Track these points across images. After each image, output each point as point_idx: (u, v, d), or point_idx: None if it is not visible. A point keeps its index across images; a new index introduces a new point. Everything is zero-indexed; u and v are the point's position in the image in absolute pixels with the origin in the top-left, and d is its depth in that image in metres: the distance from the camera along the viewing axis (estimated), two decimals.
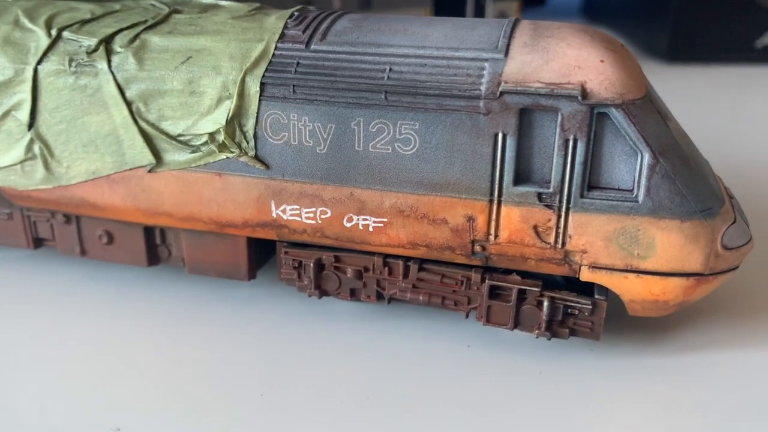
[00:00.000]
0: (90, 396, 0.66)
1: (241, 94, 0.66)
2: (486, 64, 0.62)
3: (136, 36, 0.71)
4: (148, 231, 0.78)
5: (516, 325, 0.69)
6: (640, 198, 0.61)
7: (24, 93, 0.72)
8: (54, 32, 0.72)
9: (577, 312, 0.67)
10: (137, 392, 0.66)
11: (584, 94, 0.59)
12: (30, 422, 0.62)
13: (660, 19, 1.93)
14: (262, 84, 0.66)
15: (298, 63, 0.66)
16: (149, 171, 0.71)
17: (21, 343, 0.73)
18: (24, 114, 0.72)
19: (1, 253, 0.89)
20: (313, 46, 0.66)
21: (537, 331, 0.68)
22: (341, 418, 0.63)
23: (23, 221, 0.81)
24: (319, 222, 0.69)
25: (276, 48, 0.67)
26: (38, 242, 0.82)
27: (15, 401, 0.65)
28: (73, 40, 0.71)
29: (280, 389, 0.67)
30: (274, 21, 0.70)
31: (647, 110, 0.61)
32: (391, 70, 0.63)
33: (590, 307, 0.67)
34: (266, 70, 0.66)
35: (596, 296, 0.67)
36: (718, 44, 1.87)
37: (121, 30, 0.71)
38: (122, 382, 0.67)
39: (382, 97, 0.63)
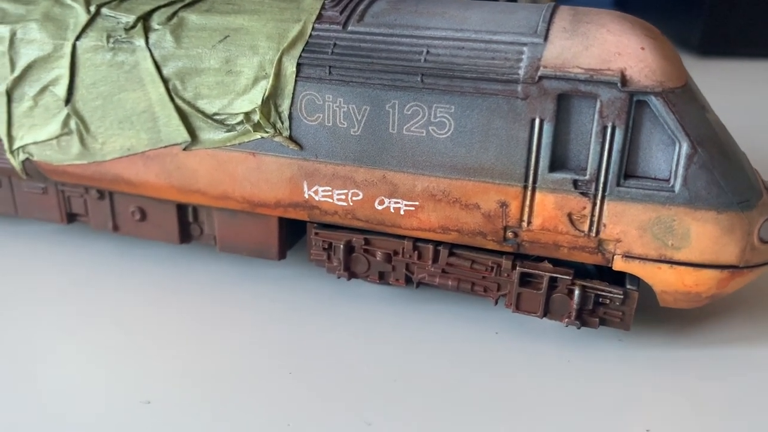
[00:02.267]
0: (120, 369, 0.67)
1: (278, 74, 0.66)
2: (525, 48, 0.61)
3: (174, 14, 0.71)
4: (181, 209, 0.78)
5: (546, 313, 0.69)
6: (677, 188, 0.60)
7: (62, 68, 0.72)
8: (93, 8, 0.73)
9: (608, 301, 0.67)
10: (167, 367, 0.67)
11: (624, 81, 0.58)
12: (60, 395, 0.63)
13: (693, 12, 1.90)
14: (298, 64, 0.66)
15: (334, 44, 0.65)
16: (184, 149, 0.72)
17: (52, 317, 0.74)
18: (61, 89, 0.73)
19: (34, 227, 0.90)
20: (350, 28, 0.66)
21: (567, 320, 0.68)
22: (368, 398, 0.64)
23: (57, 196, 0.82)
24: (351, 204, 0.69)
25: (313, 29, 0.67)
26: (71, 217, 0.83)
27: (45, 374, 0.66)
28: (111, 16, 0.72)
29: (308, 368, 0.67)
30: (312, 1, 0.70)
31: (687, 99, 0.60)
32: (428, 52, 0.63)
33: (622, 296, 0.66)
34: (303, 50, 0.66)
35: (628, 286, 0.67)
36: (751, 38, 1.84)
37: (159, 7, 0.72)
38: (152, 357, 0.68)
39: (419, 79, 0.63)
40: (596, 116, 0.60)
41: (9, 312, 0.75)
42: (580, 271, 0.68)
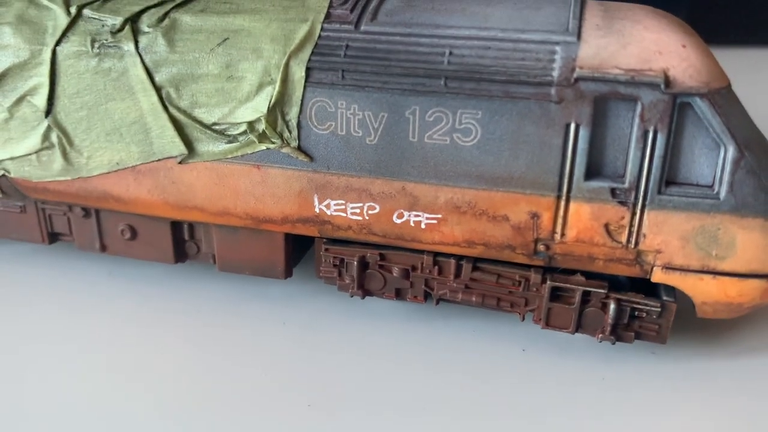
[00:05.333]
0: (109, 407, 0.61)
1: (285, 79, 0.60)
2: (557, 48, 0.56)
3: (165, 14, 0.64)
4: (176, 225, 0.72)
5: (578, 328, 0.65)
6: (722, 195, 0.57)
7: (41, 77, 0.66)
8: (73, 10, 0.66)
9: (644, 315, 0.63)
10: (165, 403, 0.61)
11: (668, 82, 0.54)
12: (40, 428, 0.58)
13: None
14: (308, 68, 0.60)
15: (347, 45, 0.60)
16: (180, 162, 0.66)
17: (33, 345, 0.68)
18: (41, 99, 0.66)
19: (13, 248, 0.83)
20: (363, 27, 0.60)
21: (600, 335, 0.64)
22: (391, 425, 0.59)
23: (38, 215, 0.75)
24: (366, 218, 0.64)
25: (322, 29, 0.61)
26: (53, 237, 0.77)
27: (24, 406, 0.60)
28: (95, 18, 0.65)
29: (327, 397, 0.62)
30: (317, 0, 0.64)
31: (732, 100, 0.56)
32: (451, 53, 0.58)
33: (659, 309, 0.62)
34: (312, 53, 0.60)
35: (664, 297, 0.63)
36: (738, 25, 1.82)
37: (148, 8, 0.65)
38: (147, 391, 0.63)
39: (442, 83, 0.58)
40: (636, 120, 0.56)
41: None
42: (613, 282, 0.64)
